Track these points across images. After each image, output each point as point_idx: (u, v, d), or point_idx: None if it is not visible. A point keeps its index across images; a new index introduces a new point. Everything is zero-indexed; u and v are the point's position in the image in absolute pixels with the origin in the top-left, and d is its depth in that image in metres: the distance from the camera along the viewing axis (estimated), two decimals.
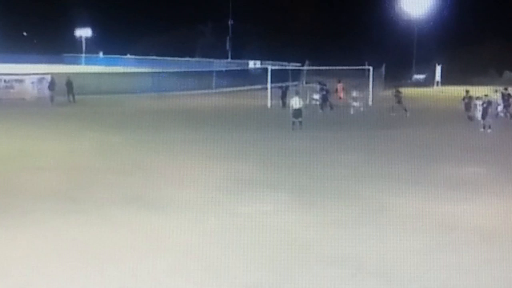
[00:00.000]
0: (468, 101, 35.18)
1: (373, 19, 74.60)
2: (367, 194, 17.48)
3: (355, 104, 39.73)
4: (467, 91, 36.00)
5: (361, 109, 38.96)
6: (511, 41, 69.73)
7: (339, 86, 42.68)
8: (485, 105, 32.21)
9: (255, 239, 13.22)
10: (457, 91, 45.27)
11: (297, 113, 31.37)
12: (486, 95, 33.64)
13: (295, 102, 32.03)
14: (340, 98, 42.76)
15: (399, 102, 38.89)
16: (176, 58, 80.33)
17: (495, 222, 14.83)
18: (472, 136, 29.60)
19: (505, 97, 35.75)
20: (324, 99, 40.34)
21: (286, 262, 11.96)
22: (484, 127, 31.31)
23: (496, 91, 36.63)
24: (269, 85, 44.90)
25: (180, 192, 17.31)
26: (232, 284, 10.99)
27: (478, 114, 32.69)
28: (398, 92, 40.10)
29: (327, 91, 41.25)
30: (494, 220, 15.05)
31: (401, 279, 11.26)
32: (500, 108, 35.23)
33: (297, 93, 35.10)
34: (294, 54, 68.59)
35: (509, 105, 35.02)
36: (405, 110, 37.68)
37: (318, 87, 43.09)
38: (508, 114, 35.31)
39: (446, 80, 65.34)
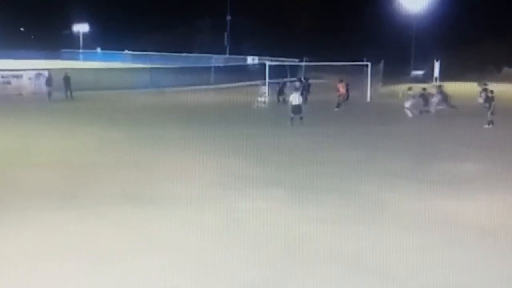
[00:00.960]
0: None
1: (372, 15, 74.69)
2: (365, 190, 17.37)
3: (260, 99, 39.57)
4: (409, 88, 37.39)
5: (264, 105, 38.63)
6: (510, 37, 69.75)
7: (340, 85, 42.48)
8: (416, 96, 35.87)
9: (252, 235, 13.18)
10: (456, 86, 45.48)
11: (297, 109, 31.32)
12: (424, 88, 37.10)
13: (295, 98, 31.95)
14: (339, 96, 42.54)
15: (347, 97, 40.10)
16: (174, 54, 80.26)
17: (494, 219, 14.72)
18: (469, 132, 29.62)
19: (442, 92, 37.32)
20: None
21: (283, 259, 11.89)
22: (488, 123, 31.34)
23: (432, 86, 39.48)
24: (267, 81, 44.88)
25: (178, 188, 17.23)
26: (229, 281, 10.90)
27: (408, 104, 35.39)
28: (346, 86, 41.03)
29: (305, 88, 41.13)
30: (493, 217, 14.97)
31: (399, 277, 11.16)
32: (435, 100, 36.58)
33: (296, 89, 35.01)
34: (292, 50, 68.60)
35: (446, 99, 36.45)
36: (337, 106, 38.29)
37: (297, 84, 43.02)
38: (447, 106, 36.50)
39: (445, 76, 65.34)
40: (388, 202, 16.14)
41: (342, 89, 41.53)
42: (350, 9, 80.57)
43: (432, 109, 35.74)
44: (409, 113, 34.83)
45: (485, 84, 38.62)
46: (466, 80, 51.58)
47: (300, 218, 14.55)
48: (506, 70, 69.18)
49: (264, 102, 38.99)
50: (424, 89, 37.32)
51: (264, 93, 40.09)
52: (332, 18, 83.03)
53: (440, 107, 36.22)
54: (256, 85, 42.17)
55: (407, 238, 13.14)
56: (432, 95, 36.97)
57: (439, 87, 39.05)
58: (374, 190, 17.41)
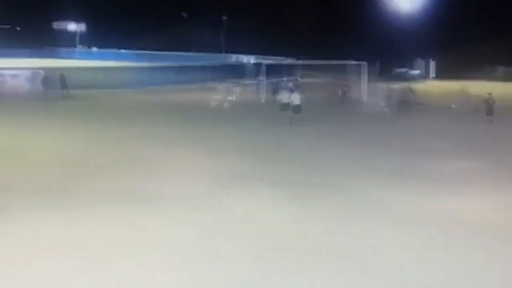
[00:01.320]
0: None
1: (368, 14, 74.73)
2: (360, 189, 17.42)
3: (230, 98, 39.61)
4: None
5: (225, 104, 38.72)
6: (505, 37, 69.97)
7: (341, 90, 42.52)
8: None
9: (247, 233, 13.17)
10: (452, 85, 45.75)
11: (296, 108, 31.35)
12: None
13: (295, 98, 31.96)
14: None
15: (344, 95, 41.21)
16: (170, 53, 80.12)
17: (489, 218, 14.78)
18: (464, 131, 29.76)
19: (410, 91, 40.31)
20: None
21: (277, 256, 11.87)
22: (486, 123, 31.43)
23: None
24: (264, 80, 44.99)
25: (172, 186, 17.26)
26: (224, 278, 10.87)
27: (384, 102, 37.73)
28: (346, 86, 41.81)
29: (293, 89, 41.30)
30: (488, 215, 15.01)
31: (393, 274, 11.14)
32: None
33: (290, 89, 35.07)
34: (288, 49, 68.69)
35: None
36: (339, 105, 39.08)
37: (290, 83, 42.93)
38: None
39: (441, 75, 65.67)
40: (383, 200, 16.17)
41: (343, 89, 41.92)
42: (347, 9, 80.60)
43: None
44: (384, 109, 35.68)
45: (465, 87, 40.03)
46: (463, 79, 51.88)
47: (295, 216, 14.55)
48: (502, 69, 69.48)
49: (221, 100, 38.90)
50: (404, 88, 38.75)
51: (235, 92, 40.14)
52: (329, 17, 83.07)
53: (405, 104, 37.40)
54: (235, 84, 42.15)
55: (401, 236, 13.17)
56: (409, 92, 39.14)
57: (410, 86, 41.39)
58: (369, 188, 17.45)
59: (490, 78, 60.28)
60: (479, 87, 39.61)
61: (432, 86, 59.98)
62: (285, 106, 32.11)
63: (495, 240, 13.08)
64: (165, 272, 11.14)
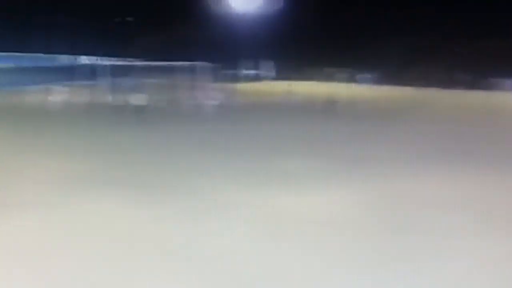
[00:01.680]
0: None
1: (204, 15, 75.78)
2: (202, 189, 17.17)
3: (64, 99, 40.88)
4: None
5: (59, 106, 39.03)
6: (332, 38, 73.12)
7: (199, 87, 43.56)
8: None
9: (95, 236, 12.98)
10: (282, 85, 47.69)
11: (140, 109, 31.84)
12: None
13: (137, 98, 32.33)
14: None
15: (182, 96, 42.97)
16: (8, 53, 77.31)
17: (328, 214, 14.86)
18: (301, 128, 30.78)
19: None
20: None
21: (122, 260, 11.63)
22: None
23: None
24: (103, 81, 44.93)
25: (17, 191, 16.79)
26: (66, 284, 10.55)
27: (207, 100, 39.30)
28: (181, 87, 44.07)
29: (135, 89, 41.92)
30: (327, 212, 15.12)
31: (238, 275, 10.97)
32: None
33: (139, 90, 35.59)
34: (126, 50, 68.47)
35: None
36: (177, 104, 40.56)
37: (129, 84, 43.48)
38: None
39: (273, 75, 67.97)
40: (223, 200, 16.04)
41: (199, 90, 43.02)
42: (187, 8, 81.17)
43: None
44: (207, 105, 37.91)
45: (289, 86, 43.05)
46: (303, 79, 53.84)
47: (139, 218, 14.32)
48: (326, 70, 73.13)
49: (54, 102, 39.10)
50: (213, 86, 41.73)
51: (70, 93, 40.41)
52: (169, 17, 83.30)
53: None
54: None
55: (239, 233, 13.23)
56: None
57: (218, 85, 44.00)
58: (210, 188, 17.27)
59: (316, 78, 63.47)
60: (314, 87, 41.41)
61: (269, 86, 61.48)
62: (127, 107, 32.54)
63: (340, 234, 13.26)
64: (10, 277, 10.80)
